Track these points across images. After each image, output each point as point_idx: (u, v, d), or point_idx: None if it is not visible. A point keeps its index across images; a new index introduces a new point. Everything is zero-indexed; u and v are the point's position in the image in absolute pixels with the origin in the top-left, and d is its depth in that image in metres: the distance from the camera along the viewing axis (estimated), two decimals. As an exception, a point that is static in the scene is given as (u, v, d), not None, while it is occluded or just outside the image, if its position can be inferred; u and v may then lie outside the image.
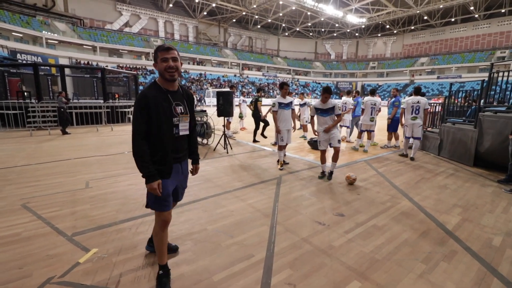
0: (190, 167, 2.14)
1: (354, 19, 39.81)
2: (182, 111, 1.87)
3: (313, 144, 6.94)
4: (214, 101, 23.35)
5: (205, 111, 7.60)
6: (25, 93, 11.65)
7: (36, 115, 9.59)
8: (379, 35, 48.50)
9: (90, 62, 29.60)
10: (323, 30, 49.12)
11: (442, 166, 5.55)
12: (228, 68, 42.42)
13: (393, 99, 7.25)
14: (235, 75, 41.80)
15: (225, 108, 6.27)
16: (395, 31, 45.78)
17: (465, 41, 39.86)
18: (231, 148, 6.72)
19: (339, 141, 4.47)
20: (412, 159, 6.02)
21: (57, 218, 2.92)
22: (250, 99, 9.73)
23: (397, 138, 7.57)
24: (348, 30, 47.57)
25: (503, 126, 4.93)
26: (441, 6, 33.81)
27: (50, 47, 28.31)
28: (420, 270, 2.15)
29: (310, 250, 2.40)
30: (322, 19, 42.35)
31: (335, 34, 50.10)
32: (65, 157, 5.66)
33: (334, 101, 4.57)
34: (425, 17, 39.83)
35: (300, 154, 6.45)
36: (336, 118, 4.45)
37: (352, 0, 35.27)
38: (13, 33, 25.62)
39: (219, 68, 41.32)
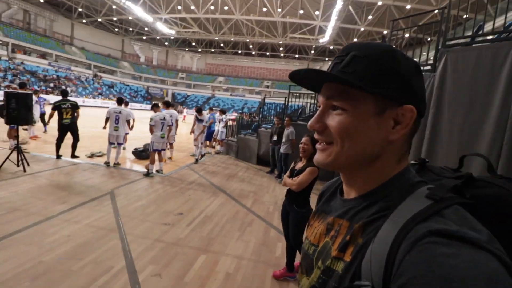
0: None
1: (164, 28, 41.11)
2: None
3: (138, 154, 7.05)
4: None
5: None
6: None
7: None
8: (186, 49, 53.24)
9: None
10: (131, 29, 46.35)
11: (239, 166, 7.76)
12: (-17, 45, 29.02)
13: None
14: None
15: (19, 113, 4.90)
16: (199, 49, 52.26)
17: (247, 70, 53.38)
18: (28, 165, 5.30)
19: None
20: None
21: None
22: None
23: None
24: (158, 37, 48.22)
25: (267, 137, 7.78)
26: (232, 39, 43.24)
27: None
28: (237, 235, 3.35)
29: (164, 246, 2.92)
30: (130, 18, 40.05)
31: (144, 38, 48.90)
32: None
33: None
34: (221, 44, 49.01)
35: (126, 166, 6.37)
36: None
37: (161, 9, 36.37)
38: None
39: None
